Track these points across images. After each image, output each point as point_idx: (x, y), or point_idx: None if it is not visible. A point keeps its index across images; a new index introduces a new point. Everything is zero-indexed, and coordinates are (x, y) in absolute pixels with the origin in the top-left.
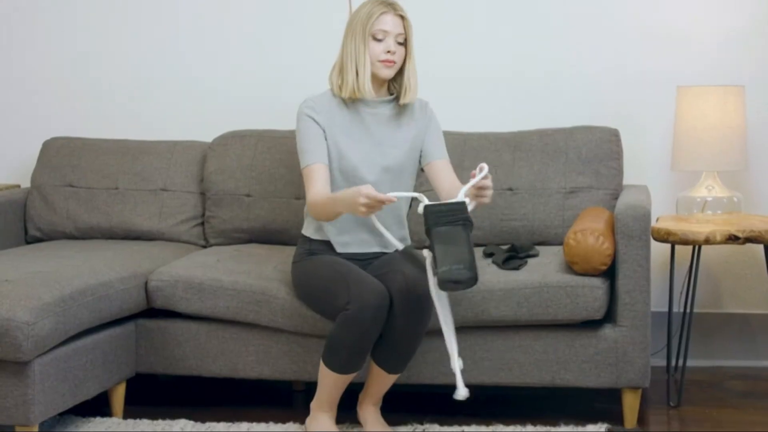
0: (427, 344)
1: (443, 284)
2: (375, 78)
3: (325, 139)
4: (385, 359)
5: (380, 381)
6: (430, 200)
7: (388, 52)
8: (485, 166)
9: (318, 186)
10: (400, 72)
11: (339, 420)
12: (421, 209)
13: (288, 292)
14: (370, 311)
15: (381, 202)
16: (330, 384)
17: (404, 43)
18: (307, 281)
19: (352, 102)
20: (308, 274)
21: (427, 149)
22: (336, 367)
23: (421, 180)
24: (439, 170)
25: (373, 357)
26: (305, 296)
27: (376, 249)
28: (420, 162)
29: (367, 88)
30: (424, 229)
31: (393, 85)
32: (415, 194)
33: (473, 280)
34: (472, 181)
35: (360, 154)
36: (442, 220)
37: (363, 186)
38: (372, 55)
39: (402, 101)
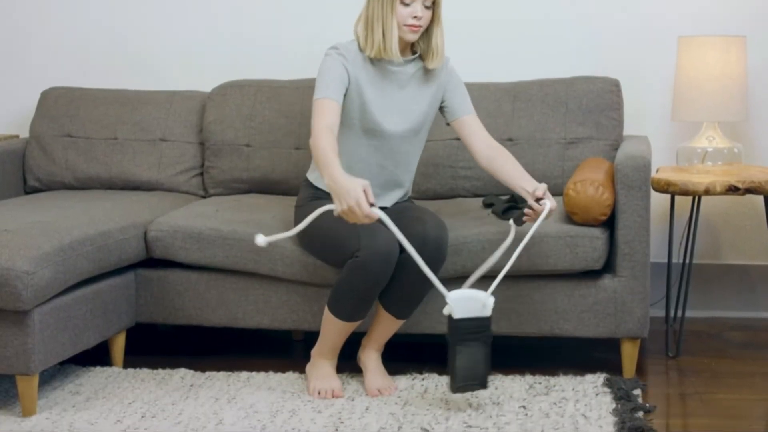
0: (428, 295)
1: (454, 390)
2: (400, 40)
3: (348, 85)
4: (394, 304)
5: (386, 326)
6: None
7: (415, 17)
8: (547, 204)
9: (326, 120)
10: (427, 33)
11: (338, 369)
12: (446, 311)
13: (287, 240)
14: (380, 259)
15: (365, 216)
16: (333, 331)
17: (432, 6)
18: (313, 228)
19: (377, 60)
20: (314, 221)
21: (451, 106)
22: (342, 314)
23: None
24: (468, 127)
25: (381, 301)
26: (309, 243)
27: (386, 204)
28: (446, 117)
29: (395, 51)
30: (447, 330)
31: (418, 44)
32: (411, 248)
33: (483, 387)
34: (534, 226)
35: (383, 110)
36: (467, 337)
37: (361, 187)
38: (399, 19)
39: (429, 66)
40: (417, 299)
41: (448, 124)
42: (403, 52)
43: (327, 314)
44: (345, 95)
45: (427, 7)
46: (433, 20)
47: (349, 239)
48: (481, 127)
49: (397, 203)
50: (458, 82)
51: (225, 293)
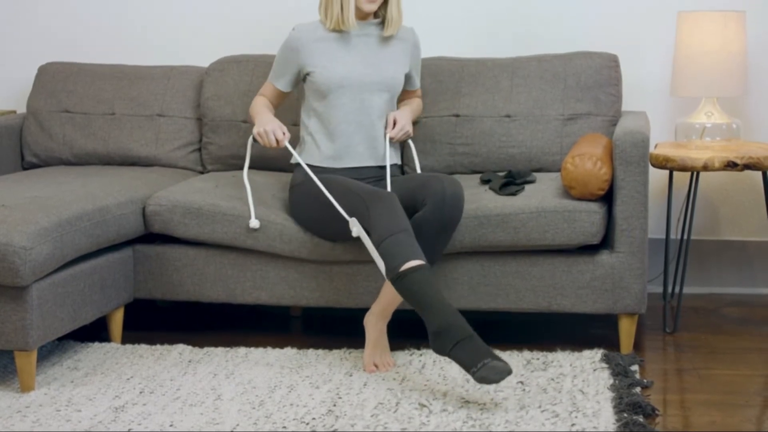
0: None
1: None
2: (359, 11)
3: (299, 70)
4: None
5: (395, 294)
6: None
7: None
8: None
9: (265, 96)
10: (385, 3)
11: (335, 344)
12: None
13: (285, 217)
14: (388, 197)
15: (273, 141)
16: (420, 291)
17: None
18: (312, 203)
19: (335, 32)
20: (310, 195)
21: (408, 77)
22: (405, 253)
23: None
24: (407, 96)
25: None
26: (307, 218)
27: (371, 163)
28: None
29: (351, 21)
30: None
31: (379, 13)
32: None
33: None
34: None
35: (349, 66)
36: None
37: (278, 123)
38: None
39: (384, 33)
40: (434, 259)
41: None
42: (365, 19)
43: (402, 284)
44: (307, 73)
45: None
46: None
47: (355, 203)
48: (413, 100)
49: (398, 167)
50: (418, 54)
51: (223, 269)
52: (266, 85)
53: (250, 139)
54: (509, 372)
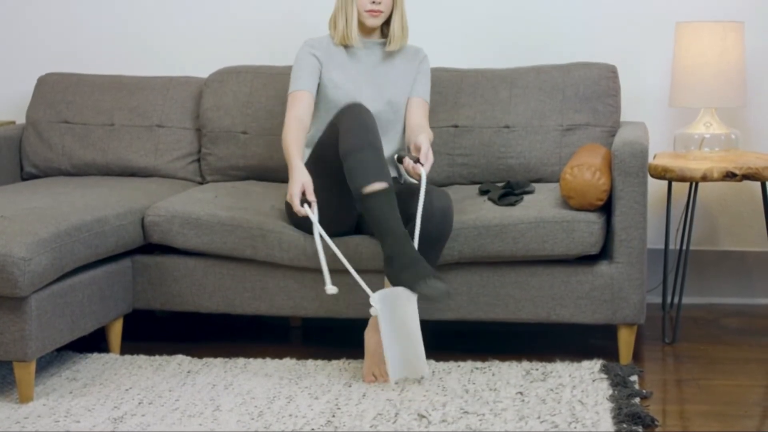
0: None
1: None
2: (363, 26)
3: (321, 68)
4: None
5: None
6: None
7: (374, 2)
8: (422, 170)
9: (297, 111)
10: (389, 19)
11: (335, 354)
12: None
13: (284, 226)
14: (356, 107)
15: (296, 211)
16: (381, 210)
17: None
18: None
19: (346, 46)
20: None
21: (413, 86)
22: (370, 173)
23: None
24: (413, 106)
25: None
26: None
27: None
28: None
29: (354, 36)
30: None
31: (385, 29)
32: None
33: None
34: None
35: (357, 86)
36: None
37: (299, 186)
38: (359, 5)
39: (387, 48)
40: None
41: None
42: (369, 37)
43: (365, 202)
44: (319, 83)
45: None
46: (394, 6)
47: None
48: (422, 115)
49: (395, 180)
50: (426, 71)
51: (222, 279)
52: (294, 96)
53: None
54: (447, 291)
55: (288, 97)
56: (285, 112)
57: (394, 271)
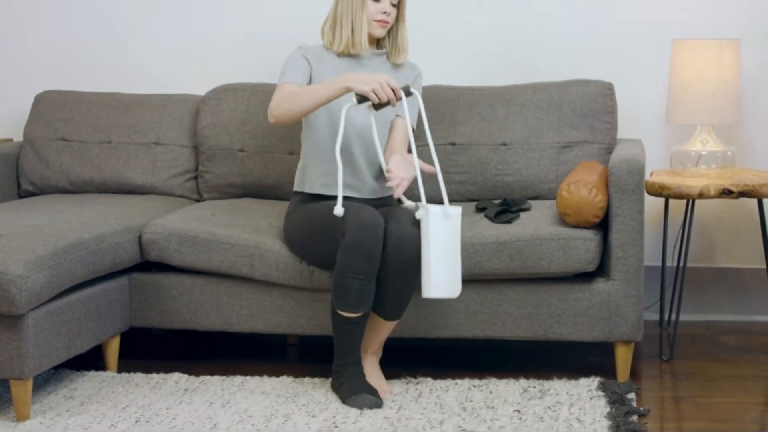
0: (421, 299)
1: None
2: (368, 35)
3: (310, 71)
4: (380, 304)
5: (377, 329)
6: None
7: (384, 12)
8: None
9: (289, 87)
10: (392, 31)
11: (326, 374)
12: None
13: (282, 245)
14: (369, 230)
15: (391, 93)
16: (346, 331)
17: (397, 5)
18: (301, 228)
19: (343, 56)
20: (302, 221)
21: (400, 103)
22: (347, 303)
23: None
24: (396, 129)
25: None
26: (299, 244)
27: (366, 196)
28: None
29: (364, 45)
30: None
31: (382, 42)
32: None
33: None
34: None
35: (349, 94)
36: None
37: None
38: (368, 15)
39: (393, 60)
40: (403, 299)
41: None
42: (369, 47)
43: (334, 315)
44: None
45: (393, 5)
46: (398, 18)
47: (335, 226)
48: (405, 136)
49: (381, 199)
50: (418, 88)
51: (219, 297)
52: (282, 87)
53: (346, 108)
54: (377, 404)
55: (276, 89)
56: (280, 127)
57: (336, 384)
